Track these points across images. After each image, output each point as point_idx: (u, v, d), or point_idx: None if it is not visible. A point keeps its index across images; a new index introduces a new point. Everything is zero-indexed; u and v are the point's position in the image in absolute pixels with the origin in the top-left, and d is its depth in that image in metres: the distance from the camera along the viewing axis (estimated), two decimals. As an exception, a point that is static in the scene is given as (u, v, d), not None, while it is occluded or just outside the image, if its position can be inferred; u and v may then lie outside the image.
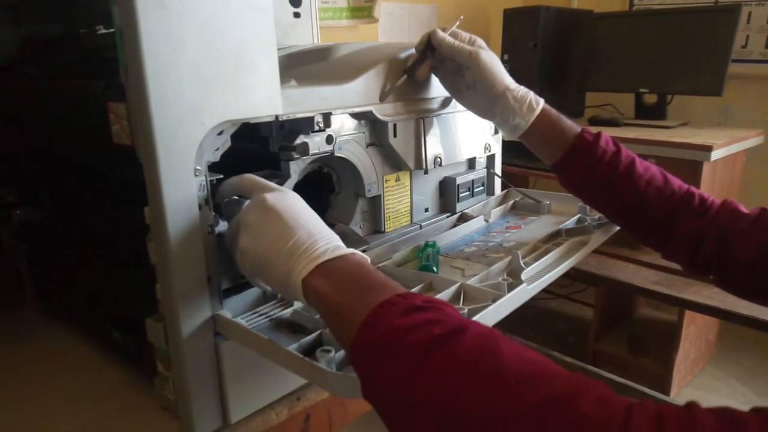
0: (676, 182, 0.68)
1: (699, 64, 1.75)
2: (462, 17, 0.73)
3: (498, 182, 0.93)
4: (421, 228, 0.77)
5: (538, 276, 0.60)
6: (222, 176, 0.53)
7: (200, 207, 0.50)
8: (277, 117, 0.55)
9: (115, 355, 0.67)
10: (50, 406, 0.60)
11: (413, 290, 0.58)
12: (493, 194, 0.92)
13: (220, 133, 0.51)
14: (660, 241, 0.69)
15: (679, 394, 1.78)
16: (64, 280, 0.78)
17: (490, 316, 0.51)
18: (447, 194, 0.83)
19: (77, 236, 0.73)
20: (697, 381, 1.86)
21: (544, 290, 0.67)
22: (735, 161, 1.71)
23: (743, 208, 0.65)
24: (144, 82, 0.45)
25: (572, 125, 0.71)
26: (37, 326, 0.77)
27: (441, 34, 0.69)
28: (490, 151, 0.88)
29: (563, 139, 0.70)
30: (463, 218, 0.81)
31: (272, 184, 0.53)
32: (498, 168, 0.91)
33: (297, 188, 0.63)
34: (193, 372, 0.51)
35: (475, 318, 0.50)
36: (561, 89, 2.10)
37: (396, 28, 2.05)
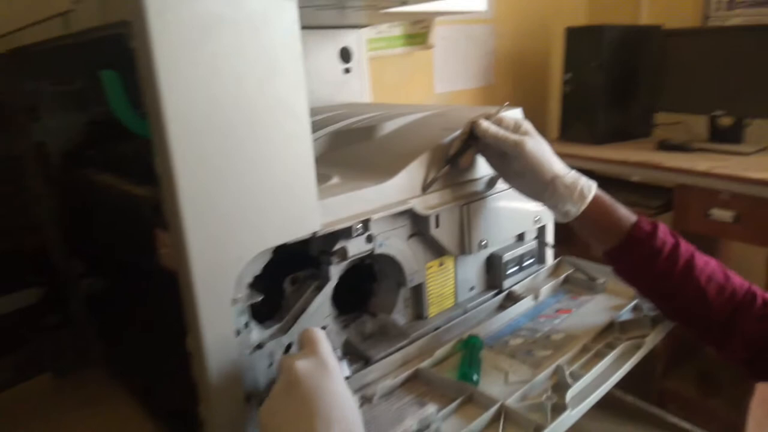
0: (737, 279, 0.64)
1: (781, 85, 1.61)
2: (507, 103, 0.71)
3: (550, 250, 0.90)
4: (465, 312, 0.76)
5: (585, 394, 0.57)
6: (263, 296, 0.54)
7: (238, 333, 0.51)
8: (315, 233, 0.55)
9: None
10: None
11: (451, 406, 0.57)
12: (543, 263, 0.89)
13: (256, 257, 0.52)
14: (718, 340, 0.64)
15: (755, 442, 1.66)
16: (126, 355, 0.82)
17: (529, 451, 0.49)
18: (493, 270, 0.81)
19: (137, 319, 0.76)
20: (777, 426, 1.73)
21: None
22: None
23: None
24: (182, 222, 0.46)
25: (627, 213, 0.67)
26: (102, 392, 0.80)
27: (485, 124, 0.67)
28: (540, 222, 0.85)
29: (618, 228, 0.66)
30: (511, 297, 0.79)
31: (314, 348, 0.48)
32: (550, 237, 0.88)
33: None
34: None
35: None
36: (627, 109, 1.99)
37: (451, 51, 2.01)
